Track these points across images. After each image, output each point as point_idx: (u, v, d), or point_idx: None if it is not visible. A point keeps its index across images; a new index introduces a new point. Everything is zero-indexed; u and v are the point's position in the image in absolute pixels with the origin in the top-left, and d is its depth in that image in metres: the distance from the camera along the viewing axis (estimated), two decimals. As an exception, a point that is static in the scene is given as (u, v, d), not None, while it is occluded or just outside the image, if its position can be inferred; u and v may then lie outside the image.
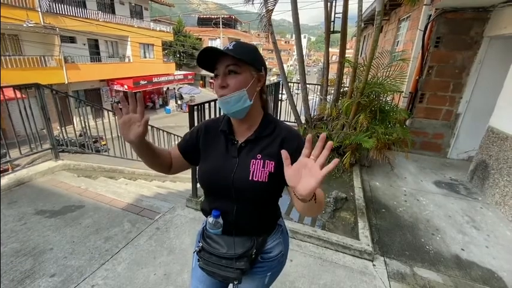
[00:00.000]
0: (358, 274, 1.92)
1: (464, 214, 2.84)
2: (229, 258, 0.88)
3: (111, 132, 4.23)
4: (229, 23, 28.07)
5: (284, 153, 0.64)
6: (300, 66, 4.07)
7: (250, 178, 0.83)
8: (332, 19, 4.44)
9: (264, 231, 0.95)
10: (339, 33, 3.98)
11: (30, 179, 2.85)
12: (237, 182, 0.84)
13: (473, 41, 3.90)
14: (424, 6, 4.22)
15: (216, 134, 0.92)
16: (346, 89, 4.14)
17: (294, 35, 4.14)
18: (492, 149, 3.17)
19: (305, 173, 0.61)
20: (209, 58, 0.81)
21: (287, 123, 0.97)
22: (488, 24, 3.75)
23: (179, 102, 20.93)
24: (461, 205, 3.02)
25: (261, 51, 0.88)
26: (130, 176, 4.38)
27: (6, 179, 2.68)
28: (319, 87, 5.00)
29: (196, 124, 2.18)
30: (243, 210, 0.88)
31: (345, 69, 4.14)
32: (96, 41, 14.58)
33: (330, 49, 4.52)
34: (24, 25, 10.23)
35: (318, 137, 0.76)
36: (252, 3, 4.34)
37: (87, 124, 3.67)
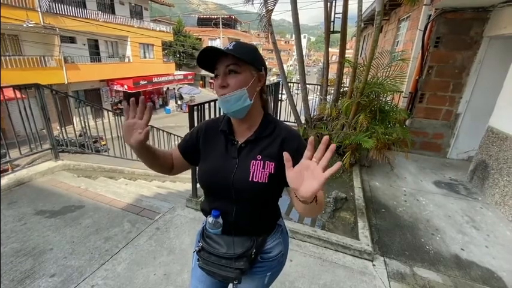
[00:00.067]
0: (358, 274, 1.92)
1: (464, 214, 2.84)
2: (229, 258, 0.88)
3: (111, 132, 4.24)
4: (229, 23, 28.08)
5: (286, 155, 0.64)
6: (300, 66, 4.07)
7: (250, 179, 0.83)
8: (332, 19, 4.44)
9: (263, 231, 0.95)
10: (339, 33, 3.98)
11: (30, 179, 2.85)
12: (237, 182, 0.84)
13: (473, 41, 3.90)
14: (423, 6, 4.22)
15: (216, 134, 0.92)
16: (346, 89, 4.14)
17: (293, 35, 4.14)
18: (492, 149, 3.17)
19: (307, 176, 0.61)
20: (209, 58, 0.81)
21: (287, 123, 0.97)
22: (488, 24, 3.76)
23: (179, 102, 20.93)
24: (461, 205, 3.02)
25: (260, 51, 0.89)
26: (130, 176, 4.38)
27: (6, 179, 2.68)
28: (319, 87, 5.00)
29: (196, 124, 2.20)
30: (242, 211, 0.88)
31: (345, 69, 4.15)
32: (96, 41, 14.58)
33: (330, 49, 4.52)
34: (24, 25, 10.23)
35: (318, 137, 0.76)
36: (252, 4, 4.34)
37: (87, 124, 3.67)
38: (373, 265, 2.02)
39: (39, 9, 10.79)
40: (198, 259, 0.93)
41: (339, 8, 4.12)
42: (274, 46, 4.24)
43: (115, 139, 4.13)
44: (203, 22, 28.81)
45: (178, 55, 25.59)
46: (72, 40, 13.35)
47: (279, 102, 4.87)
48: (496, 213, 2.86)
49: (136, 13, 16.76)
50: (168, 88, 20.41)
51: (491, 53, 3.85)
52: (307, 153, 0.63)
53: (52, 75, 11.40)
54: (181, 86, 21.17)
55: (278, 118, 3.89)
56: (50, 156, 3.30)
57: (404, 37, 5.55)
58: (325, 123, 3.95)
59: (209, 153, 0.92)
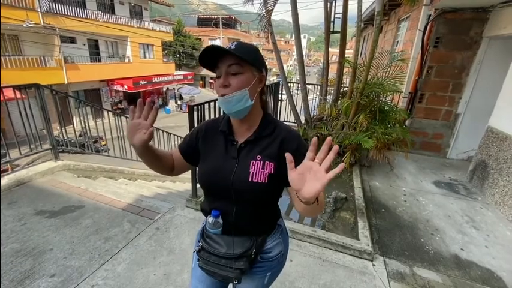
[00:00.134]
0: (357, 274, 1.92)
1: (463, 214, 2.84)
2: (229, 258, 0.88)
3: (111, 133, 4.24)
4: (229, 23, 28.08)
5: (288, 156, 0.64)
6: (300, 67, 4.07)
7: (249, 179, 0.83)
8: (332, 19, 4.45)
9: (263, 231, 0.95)
10: (339, 34, 3.98)
11: (30, 179, 2.85)
12: (237, 183, 0.84)
13: (472, 41, 3.91)
14: (423, 7, 4.22)
15: (216, 134, 0.92)
16: (346, 89, 4.15)
17: (293, 35, 4.15)
18: (491, 149, 3.17)
19: (310, 177, 0.61)
20: (211, 57, 0.80)
21: (287, 123, 0.97)
22: (487, 25, 3.76)
23: (179, 102, 20.93)
24: (461, 205, 3.02)
25: (260, 51, 0.89)
26: (130, 176, 4.38)
27: (6, 179, 2.68)
28: (318, 87, 5.01)
29: (196, 124, 2.20)
30: (242, 211, 0.88)
31: (345, 70, 4.15)
32: (96, 41, 14.58)
33: (330, 49, 4.53)
34: (24, 25, 10.23)
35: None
36: (252, 4, 4.34)
37: (86, 124, 3.66)
38: (373, 265, 2.02)
39: (39, 10, 10.80)
40: (198, 259, 0.94)
41: (339, 8, 4.14)
42: (274, 46, 4.24)
43: (115, 139, 4.13)
44: (203, 22, 28.82)
45: (178, 55, 25.60)
46: (72, 40, 13.36)
47: (279, 102, 4.88)
48: (495, 213, 2.86)
49: (136, 13, 16.76)
50: (168, 88, 20.42)
51: (491, 53, 3.86)
52: (309, 154, 0.63)
53: (52, 75, 11.40)
54: (181, 86, 21.18)
55: (278, 118, 3.90)
56: (50, 156, 3.30)
57: (404, 37, 5.56)
58: (325, 123, 3.95)
59: (209, 154, 0.92)
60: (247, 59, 0.78)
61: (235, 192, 0.85)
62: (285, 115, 5.15)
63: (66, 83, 12.16)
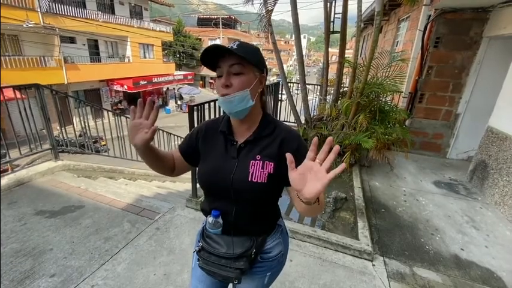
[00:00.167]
0: (357, 274, 1.92)
1: (463, 214, 2.84)
2: (229, 257, 0.88)
3: (111, 133, 4.24)
4: (229, 23, 28.08)
5: (289, 157, 0.64)
6: (300, 67, 4.07)
7: (249, 179, 0.83)
8: (332, 19, 4.44)
9: (263, 231, 0.95)
10: (339, 34, 3.98)
11: (30, 179, 2.85)
12: (236, 183, 0.84)
13: (472, 41, 3.91)
14: (423, 7, 4.22)
15: (216, 134, 0.92)
16: (346, 89, 4.15)
17: (293, 35, 4.14)
18: (491, 149, 3.18)
19: (311, 177, 0.61)
20: (212, 56, 0.80)
21: (287, 123, 0.97)
22: (487, 25, 3.76)
23: (179, 102, 20.94)
24: (461, 205, 3.02)
25: (261, 52, 0.88)
26: (130, 176, 4.38)
27: (6, 179, 2.68)
28: (318, 87, 5.01)
29: (196, 124, 2.20)
30: (242, 211, 0.88)
31: (345, 70, 4.15)
32: (96, 41, 14.58)
33: (330, 49, 4.53)
34: (24, 25, 10.23)
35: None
36: (252, 4, 4.34)
37: (86, 124, 3.67)
38: (373, 265, 2.02)
39: (39, 10, 10.79)
40: (198, 259, 0.94)
41: (339, 8, 4.13)
42: (274, 46, 4.24)
43: (115, 139, 4.13)
44: (203, 22, 28.82)
45: (178, 55, 25.60)
46: (72, 40, 13.36)
47: (279, 102, 4.88)
48: (495, 213, 2.86)
49: (136, 13, 16.76)
50: (168, 88, 20.42)
51: (491, 53, 3.86)
52: (310, 154, 0.63)
53: (52, 76, 11.40)
54: (181, 86, 21.18)
55: (278, 118, 3.91)
56: (49, 156, 3.30)
57: (404, 37, 5.56)
58: (325, 123, 3.95)
59: (209, 154, 0.92)
60: (249, 59, 0.77)
61: (235, 192, 0.85)
62: (285, 115, 5.16)
63: (66, 83, 12.16)
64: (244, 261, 0.88)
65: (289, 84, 4.59)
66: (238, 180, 0.84)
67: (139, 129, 0.78)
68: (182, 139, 1.04)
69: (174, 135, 6.32)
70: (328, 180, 0.58)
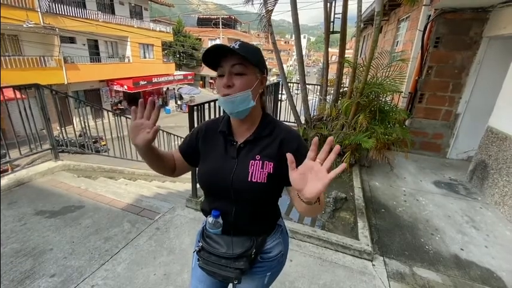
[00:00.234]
0: (357, 274, 1.92)
1: (463, 214, 2.84)
2: (229, 257, 0.88)
3: (111, 133, 4.24)
4: (229, 23, 28.08)
5: (289, 157, 0.64)
6: (300, 67, 4.07)
7: (249, 179, 0.83)
8: (332, 19, 4.45)
9: (263, 231, 0.95)
10: (339, 34, 3.99)
11: (30, 179, 2.85)
12: (236, 183, 0.84)
13: (472, 41, 3.91)
14: (423, 7, 4.22)
15: (216, 134, 0.92)
16: (346, 89, 4.15)
17: (293, 35, 4.15)
18: (491, 149, 3.18)
19: (311, 177, 0.62)
20: (214, 56, 0.80)
21: (287, 123, 0.97)
22: (487, 25, 3.76)
23: (179, 102, 20.94)
24: (461, 205, 3.02)
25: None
26: (130, 176, 4.38)
27: (6, 180, 2.68)
28: (318, 87, 5.01)
29: (196, 124, 2.20)
30: (242, 211, 0.88)
31: (345, 70, 4.15)
32: (96, 41, 14.58)
33: (330, 49, 4.53)
34: (24, 25, 10.23)
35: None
36: (252, 4, 4.34)
37: (86, 124, 3.67)
38: (373, 265, 2.02)
39: (39, 10, 10.79)
40: (198, 259, 0.94)
41: (339, 9, 4.13)
42: (274, 46, 4.25)
43: (115, 139, 4.13)
44: (203, 22, 28.82)
45: (178, 55, 25.59)
46: (72, 40, 13.35)
47: (279, 102, 4.88)
48: (495, 213, 2.87)
49: (136, 13, 16.76)
50: (168, 88, 20.42)
51: (491, 53, 3.86)
52: (310, 153, 0.63)
53: (52, 76, 11.40)
54: (181, 86, 21.18)
55: (278, 118, 3.91)
56: (49, 156, 3.30)
57: (403, 37, 5.56)
58: (325, 123, 3.95)
59: (209, 154, 0.92)
60: (251, 59, 0.77)
61: (235, 192, 0.85)
62: (285, 115, 5.16)
63: (66, 83, 12.16)
64: (244, 261, 0.88)
65: (289, 84, 4.59)
66: (238, 180, 0.84)
67: (141, 130, 0.78)
68: (182, 139, 1.04)
69: (174, 135, 6.32)
70: (329, 180, 0.58)
